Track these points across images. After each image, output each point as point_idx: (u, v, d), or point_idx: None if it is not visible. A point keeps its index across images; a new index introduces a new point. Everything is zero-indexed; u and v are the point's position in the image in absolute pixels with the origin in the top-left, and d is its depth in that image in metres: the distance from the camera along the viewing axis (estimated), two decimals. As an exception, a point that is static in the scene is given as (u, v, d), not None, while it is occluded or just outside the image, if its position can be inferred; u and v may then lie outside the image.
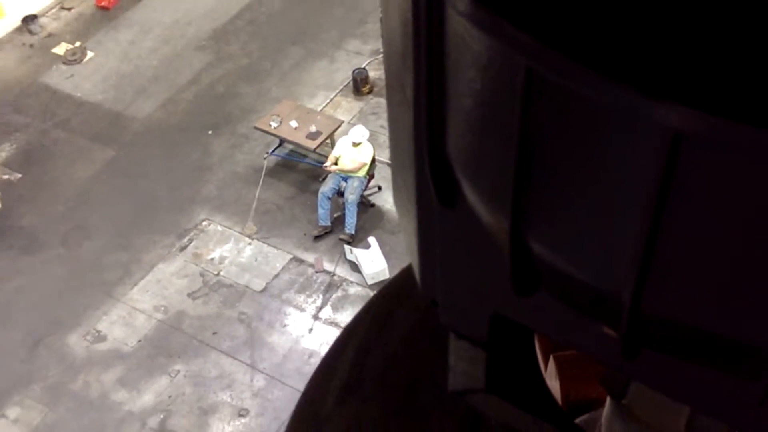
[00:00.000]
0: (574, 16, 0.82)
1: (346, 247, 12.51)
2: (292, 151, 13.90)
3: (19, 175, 14.55)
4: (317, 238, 12.78)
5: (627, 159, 0.88)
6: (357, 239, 12.58)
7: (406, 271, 2.04)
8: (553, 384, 1.86)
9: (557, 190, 0.99)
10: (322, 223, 12.69)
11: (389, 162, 1.50)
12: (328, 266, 12.50)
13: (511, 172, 0.98)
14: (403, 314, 2.14)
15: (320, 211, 12.64)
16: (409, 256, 1.47)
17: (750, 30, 0.75)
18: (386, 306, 2.29)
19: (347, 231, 12.50)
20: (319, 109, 14.38)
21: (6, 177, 14.53)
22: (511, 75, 0.90)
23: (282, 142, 13.71)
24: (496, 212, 1.10)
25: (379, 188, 13.19)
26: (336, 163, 12.59)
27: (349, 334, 2.32)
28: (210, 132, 14.74)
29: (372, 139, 13.26)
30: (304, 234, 12.90)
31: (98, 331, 12.15)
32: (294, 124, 13.47)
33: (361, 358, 2.19)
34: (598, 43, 0.80)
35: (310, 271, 12.53)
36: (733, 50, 0.75)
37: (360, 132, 12.52)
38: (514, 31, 0.83)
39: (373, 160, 12.61)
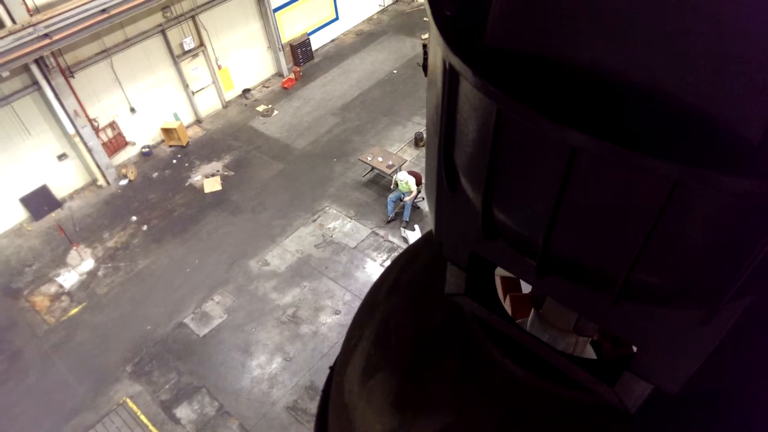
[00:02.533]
0: (527, 86, 0.82)
1: (402, 228, 12.48)
2: (377, 174, 13.86)
3: (233, 173, 14.95)
4: (387, 222, 12.75)
5: (547, 162, 0.85)
6: (409, 225, 12.49)
7: (428, 234, 2.05)
8: (502, 296, 1.90)
9: (509, 180, 0.98)
10: (390, 214, 12.71)
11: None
12: (391, 238, 12.42)
13: (485, 169, 0.98)
14: (425, 252, 2.02)
15: (389, 207, 12.64)
16: (430, 218, 1.45)
17: (599, 97, 0.77)
18: (416, 247, 2.17)
19: (404, 219, 12.45)
20: (394, 152, 14.29)
21: (226, 173, 14.94)
22: (489, 114, 0.89)
23: (372, 168, 13.73)
24: (476, 192, 1.08)
25: (423, 198, 12.68)
26: (396, 185, 12.36)
27: (395, 261, 2.21)
28: (335, 160, 14.82)
29: (421, 168, 13.14)
30: (381, 219, 12.90)
31: (266, 260, 12.35)
32: (380, 159, 13.55)
33: (400, 274, 2.06)
34: (536, 98, 0.79)
35: (381, 240, 12.45)
36: (596, 107, 0.77)
37: (405, 175, 12.17)
38: (495, 90, 0.82)
39: (420, 182, 12.27)
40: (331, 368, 2.33)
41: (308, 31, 19.05)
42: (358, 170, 14.35)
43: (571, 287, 1.02)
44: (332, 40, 20.10)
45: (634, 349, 1.43)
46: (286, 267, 12.23)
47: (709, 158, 0.69)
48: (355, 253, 12.32)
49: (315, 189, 14.08)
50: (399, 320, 1.83)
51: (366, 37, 20.19)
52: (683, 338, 0.97)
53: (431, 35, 1.01)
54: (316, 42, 19.44)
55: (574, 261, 0.97)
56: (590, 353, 1.75)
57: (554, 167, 0.83)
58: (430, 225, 1.60)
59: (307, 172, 14.65)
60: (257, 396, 10.03)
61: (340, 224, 13.06)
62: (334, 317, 11.07)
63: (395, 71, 18.12)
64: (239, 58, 17.54)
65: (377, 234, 12.67)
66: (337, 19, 19.99)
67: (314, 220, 13.24)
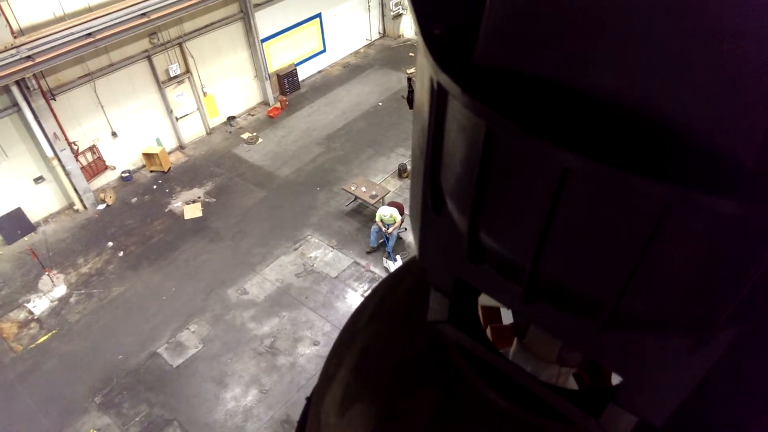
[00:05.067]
0: (516, 105, 0.81)
1: (384, 258, 12.44)
2: (360, 204, 13.80)
3: (214, 200, 14.84)
4: (368, 253, 12.70)
5: (537, 182, 0.83)
6: (391, 256, 12.38)
7: (411, 261, 2.02)
8: (484, 325, 1.87)
9: (497, 201, 0.96)
10: (371, 245, 12.67)
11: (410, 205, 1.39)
12: (373, 268, 12.34)
13: (472, 190, 0.95)
14: (407, 278, 1.99)
15: (371, 237, 12.60)
16: (414, 244, 1.43)
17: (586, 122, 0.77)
18: (398, 274, 2.15)
19: (387, 250, 12.40)
20: (378, 182, 14.31)
21: (207, 199, 14.82)
22: (477, 133, 0.87)
23: (356, 198, 13.71)
24: (462, 215, 1.06)
25: (405, 229, 12.75)
26: (382, 221, 12.17)
27: (376, 288, 2.19)
28: (318, 189, 14.79)
29: (404, 199, 13.16)
30: (363, 249, 12.83)
31: (244, 289, 12.18)
32: (363, 189, 13.59)
33: (381, 300, 2.04)
34: (526, 118, 0.78)
35: (362, 270, 12.34)
36: (588, 127, 0.77)
37: (388, 209, 12.16)
38: (484, 107, 0.81)
39: (403, 213, 12.25)
40: (308, 399, 2.27)
41: (295, 62, 19.27)
42: (341, 200, 14.34)
43: (558, 314, 1.00)
44: (319, 72, 20.35)
45: (616, 380, 1.43)
46: (265, 296, 12.07)
47: (701, 181, 0.68)
48: (336, 283, 12.21)
49: (297, 217, 14.02)
50: (380, 348, 1.80)
51: (352, 69, 20.48)
52: (670, 368, 0.95)
53: (419, 54, 1.01)
54: (303, 73, 19.65)
55: (561, 287, 0.96)
56: (573, 385, 1.74)
57: (544, 188, 0.81)
58: (412, 255, 1.59)
59: (290, 201, 14.61)
60: (231, 430, 9.75)
61: (322, 253, 12.98)
62: (312, 348, 10.91)
63: (380, 103, 18.36)
64: (225, 86, 17.62)
65: (359, 264, 12.60)
66: (324, 51, 20.30)
67: (296, 249, 13.15)
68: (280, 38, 18.53)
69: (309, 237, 13.45)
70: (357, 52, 21.41)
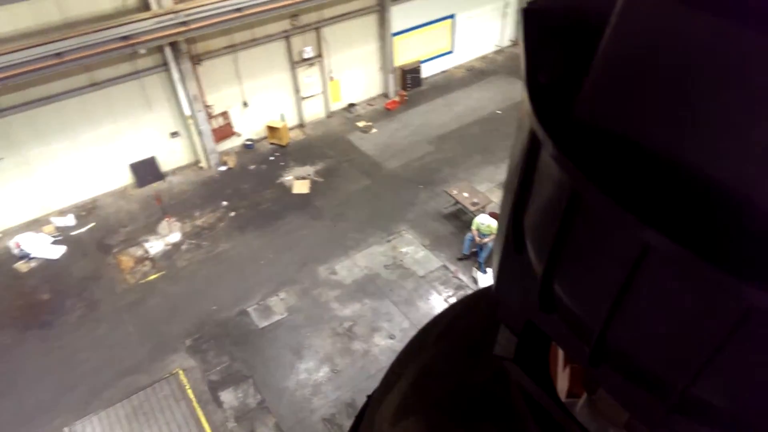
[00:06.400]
0: (606, 166, 0.79)
1: (474, 268, 12.28)
2: (459, 209, 13.68)
3: (322, 180, 15.43)
4: (459, 259, 12.58)
5: (616, 249, 0.82)
6: (482, 267, 12.23)
7: (489, 287, 1.92)
8: (562, 365, 1.79)
9: (574, 258, 0.95)
10: (464, 252, 12.54)
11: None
12: (461, 276, 12.21)
13: (550, 241, 0.95)
14: (482, 304, 1.95)
15: (465, 244, 12.48)
16: (492, 275, 1.45)
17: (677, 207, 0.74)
18: (478, 295, 2.10)
19: (479, 261, 12.24)
20: (482, 190, 14.04)
21: (316, 178, 15.43)
22: (563, 189, 0.87)
23: (456, 202, 13.60)
24: (539, 262, 1.06)
25: None
26: (478, 230, 12.07)
27: (453, 305, 2.14)
28: (421, 186, 14.86)
29: None
30: (455, 255, 12.76)
31: (334, 269, 12.56)
32: (466, 194, 13.47)
33: (454, 320, 2.01)
34: (615, 181, 0.77)
35: (450, 275, 12.26)
36: (678, 201, 0.74)
37: (486, 219, 12.05)
38: (573, 168, 0.80)
39: None
40: (369, 397, 2.30)
41: (421, 59, 19.40)
42: (441, 201, 14.30)
43: (624, 383, 0.96)
44: (443, 71, 20.33)
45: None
46: (352, 280, 12.36)
47: None
48: (421, 283, 12.23)
49: (396, 211, 14.19)
50: (443, 369, 1.79)
51: (476, 73, 20.28)
52: None
53: (522, 97, 1.01)
54: (427, 70, 19.75)
55: (629, 358, 0.92)
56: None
57: (622, 258, 0.79)
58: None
59: (392, 193, 14.81)
60: (298, 400, 10.16)
61: (413, 250, 13.04)
62: (387, 341, 11.03)
63: (499, 111, 18.02)
64: (350, 74, 18.17)
65: (448, 268, 12.53)
66: (451, 52, 20.26)
67: (388, 241, 13.33)
68: (411, 34, 18.74)
69: (403, 232, 13.57)
70: (484, 57, 21.14)
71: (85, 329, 11.72)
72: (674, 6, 0.67)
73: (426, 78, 19.77)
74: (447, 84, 19.75)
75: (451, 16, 19.37)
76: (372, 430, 1.83)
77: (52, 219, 14.50)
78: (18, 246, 13.43)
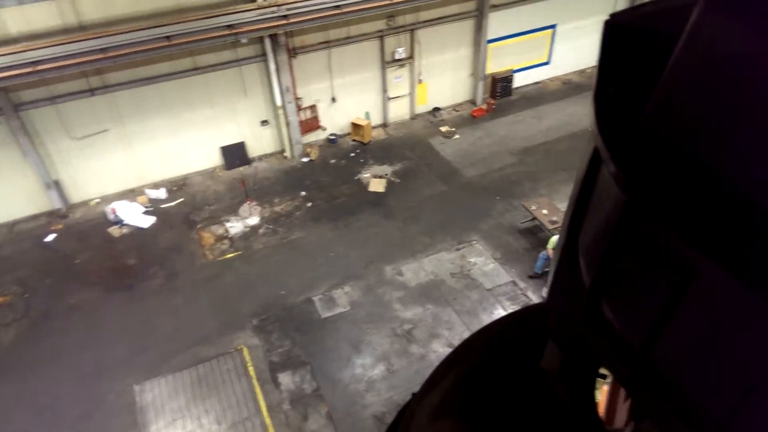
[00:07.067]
0: (662, 185, 0.78)
1: (544, 288, 11.81)
2: (536, 225, 13.34)
3: (398, 180, 15.59)
4: (530, 277, 12.28)
5: (663, 269, 0.81)
6: None
7: (543, 302, 1.99)
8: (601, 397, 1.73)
9: (620, 275, 0.95)
10: (536, 270, 12.26)
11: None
12: (530, 294, 11.92)
13: (599, 257, 0.96)
14: (534, 318, 1.88)
15: (538, 263, 12.21)
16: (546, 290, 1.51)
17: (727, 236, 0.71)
18: (528, 311, 2.09)
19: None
20: (562, 209, 13.25)
21: (392, 179, 15.62)
22: (617, 205, 0.86)
23: (534, 218, 13.27)
24: (588, 277, 1.07)
25: None
26: (554, 248, 11.70)
27: (512, 313, 2.15)
28: (498, 198, 14.66)
29: None
30: (525, 272, 12.48)
31: (401, 270, 12.64)
32: (545, 211, 13.12)
33: (509, 327, 2.03)
34: (670, 199, 0.76)
35: (519, 292, 12.00)
36: (728, 225, 0.72)
37: None
38: (627, 183, 0.81)
39: None
40: (414, 395, 2.33)
41: (514, 68, 19.08)
42: (517, 215, 14.03)
43: (663, 410, 0.93)
44: (536, 83, 19.90)
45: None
46: (417, 283, 12.39)
47: None
48: (487, 296, 12.06)
49: (469, 220, 14.06)
50: (488, 373, 1.79)
51: (572, 87, 19.67)
52: None
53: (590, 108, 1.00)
54: (519, 80, 19.39)
55: (671, 384, 0.89)
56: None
57: (669, 278, 0.77)
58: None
59: (467, 202, 14.69)
60: (352, 393, 10.31)
61: (482, 262, 12.89)
62: (446, 349, 10.95)
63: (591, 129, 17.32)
64: (439, 78, 18.16)
65: (516, 285, 12.28)
66: (548, 63, 19.77)
67: (458, 249, 13.24)
68: (506, 42, 18.46)
69: (474, 242, 13.43)
70: (583, 71, 20.44)
71: (164, 297, 12.51)
72: (744, 31, 0.66)
73: (517, 88, 19.43)
74: (539, 95, 19.31)
75: (552, 26, 18.89)
76: (411, 425, 1.85)
77: (146, 190, 15.59)
78: (114, 212, 14.57)
